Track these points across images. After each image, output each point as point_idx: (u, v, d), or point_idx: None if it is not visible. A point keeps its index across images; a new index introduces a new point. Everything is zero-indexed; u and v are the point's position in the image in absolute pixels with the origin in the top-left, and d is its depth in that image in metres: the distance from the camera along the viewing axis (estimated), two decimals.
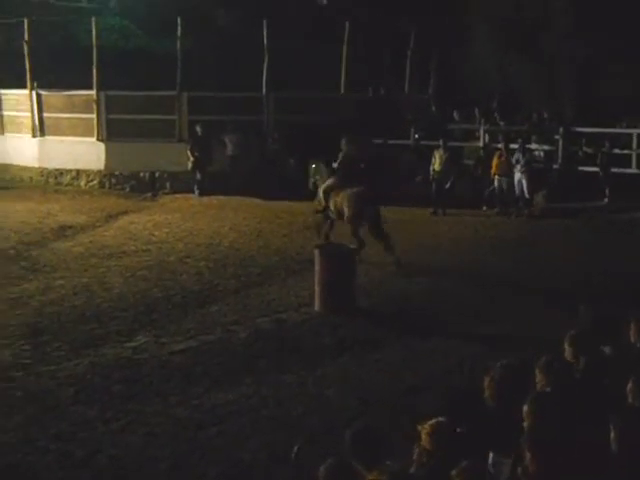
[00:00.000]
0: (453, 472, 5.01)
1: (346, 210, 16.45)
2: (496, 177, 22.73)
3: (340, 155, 18.59)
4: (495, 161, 22.78)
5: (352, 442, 5.53)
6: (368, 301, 13.98)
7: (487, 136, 25.31)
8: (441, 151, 23.25)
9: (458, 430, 5.66)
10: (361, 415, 9.04)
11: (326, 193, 17.13)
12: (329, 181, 17.33)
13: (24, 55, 29.04)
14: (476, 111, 26.77)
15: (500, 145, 23.39)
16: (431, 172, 23.24)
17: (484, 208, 22.86)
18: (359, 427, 5.78)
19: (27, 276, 15.78)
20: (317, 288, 13.59)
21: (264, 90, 27.13)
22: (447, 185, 22.91)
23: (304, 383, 10.39)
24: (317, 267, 13.65)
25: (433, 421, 5.55)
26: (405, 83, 29.43)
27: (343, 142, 19.07)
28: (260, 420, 9.28)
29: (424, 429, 5.52)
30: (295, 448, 6.32)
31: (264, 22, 27.07)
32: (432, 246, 18.54)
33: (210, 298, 14.29)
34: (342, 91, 28.14)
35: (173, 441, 8.79)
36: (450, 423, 5.60)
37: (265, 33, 27.05)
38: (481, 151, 24.42)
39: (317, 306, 13.53)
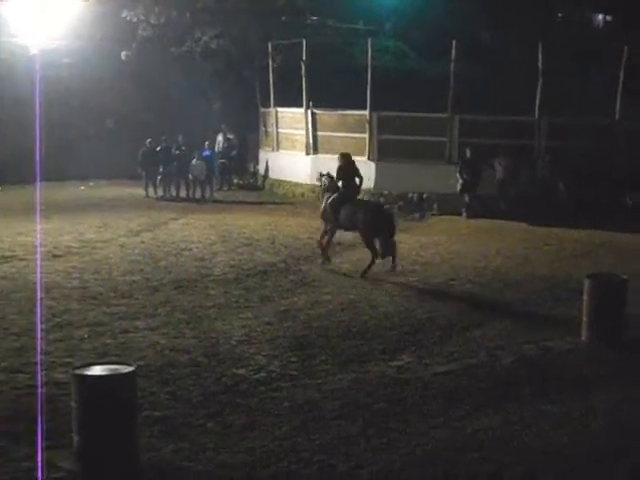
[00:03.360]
0: None
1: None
2: None
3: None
4: None
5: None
6: (638, 333, 13.51)
7: None
8: None
9: None
10: (630, 452, 8.73)
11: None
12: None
13: (301, 75, 30.00)
14: None
15: None
16: None
17: None
18: (632, 465, 5.60)
19: (296, 290, 16.23)
20: (585, 318, 13.23)
21: (536, 114, 26.79)
22: None
23: (569, 414, 10.12)
24: (586, 296, 13.29)
25: None
26: None
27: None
28: (523, 448, 9.10)
29: None
30: None
31: (539, 45, 26.78)
32: None
33: (474, 321, 14.19)
34: (617, 117, 27.33)
35: (434, 463, 8.75)
36: None
37: (540, 56, 26.73)
38: None
39: (584, 336, 13.18)
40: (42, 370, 10.77)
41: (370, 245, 17.72)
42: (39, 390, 9.91)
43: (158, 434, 9.23)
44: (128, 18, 32.50)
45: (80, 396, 8.10)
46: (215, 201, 29.99)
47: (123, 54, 33.27)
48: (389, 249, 17.60)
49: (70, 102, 34.65)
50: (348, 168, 18.85)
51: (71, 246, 20.25)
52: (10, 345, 12.34)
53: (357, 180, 18.95)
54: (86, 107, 35.30)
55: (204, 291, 16.04)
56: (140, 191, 30.91)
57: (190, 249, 20.06)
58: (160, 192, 30.89)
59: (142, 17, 32.70)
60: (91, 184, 34.25)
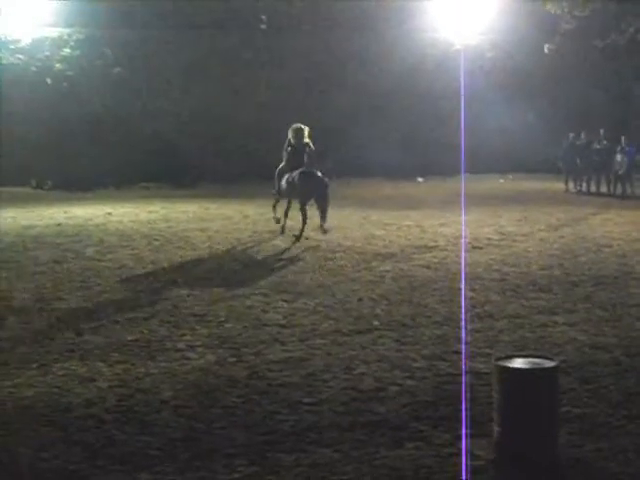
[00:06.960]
0: None
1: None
2: None
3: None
4: None
5: None
6: None
7: None
8: None
9: None
10: None
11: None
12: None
13: None
14: None
15: None
16: None
17: None
18: None
19: None
20: None
21: None
22: None
23: None
24: None
25: None
26: None
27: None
28: None
29: None
30: None
31: None
32: None
33: None
34: None
35: None
36: None
37: None
38: None
39: None
40: (463, 359, 10.99)
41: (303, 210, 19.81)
42: (462, 379, 10.10)
43: (577, 431, 9.10)
44: (552, 11, 32.31)
45: (502, 387, 8.17)
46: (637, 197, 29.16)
47: (546, 47, 33.12)
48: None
49: (499, 96, 35.04)
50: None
51: (491, 238, 20.50)
52: (432, 333, 12.67)
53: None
54: (509, 100, 35.51)
55: (625, 289, 15.65)
56: (559, 185, 30.70)
57: (610, 245, 19.65)
58: (580, 187, 30.52)
59: (566, 9, 32.39)
60: (510, 177, 34.48)
